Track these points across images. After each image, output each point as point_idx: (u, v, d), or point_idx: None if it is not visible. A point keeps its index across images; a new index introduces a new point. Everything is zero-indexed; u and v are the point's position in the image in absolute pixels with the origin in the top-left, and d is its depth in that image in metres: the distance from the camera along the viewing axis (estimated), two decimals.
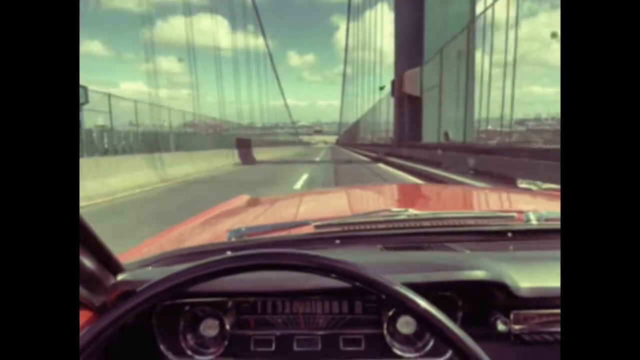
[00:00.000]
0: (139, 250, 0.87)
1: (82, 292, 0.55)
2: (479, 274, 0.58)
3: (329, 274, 0.43)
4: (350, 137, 56.53)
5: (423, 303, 0.42)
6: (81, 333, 0.43)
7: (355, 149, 35.20)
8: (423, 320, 0.42)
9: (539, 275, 0.60)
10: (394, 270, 0.57)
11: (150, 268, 0.66)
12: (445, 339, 0.41)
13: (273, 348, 0.64)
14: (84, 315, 0.57)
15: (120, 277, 0.60)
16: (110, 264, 0.59)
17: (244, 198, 1.56)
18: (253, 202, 1.50)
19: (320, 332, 0.64)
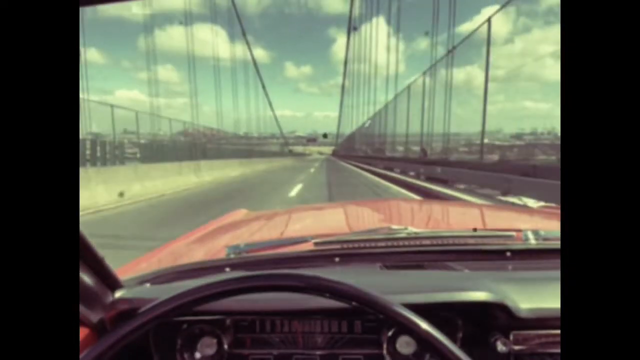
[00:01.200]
0: (135, 265, 0.86)
1: (80, 308, 0.54)
2: (480, 295, 0.58)
3: (331, 297, 0.44)
4: (347, 147, 54.08)
5: (424, 324, 0.42)
6: (82, 354, 0.43)
7: (352, 161, 33.53)
8: (424, 341, 0.42)
9: (538, 296, 0.60)
10: (394, 290, 0.57)
11: (148, 285, 0.65)
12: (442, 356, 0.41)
13: None
14: (81, 332, 0.56)
15: (118, 294, 0.60)
16: (108, 280, 0.58)
17: (242, 212, 1.56)
18: (251, 217, 1.49)
19: (319, 352, 0.64)
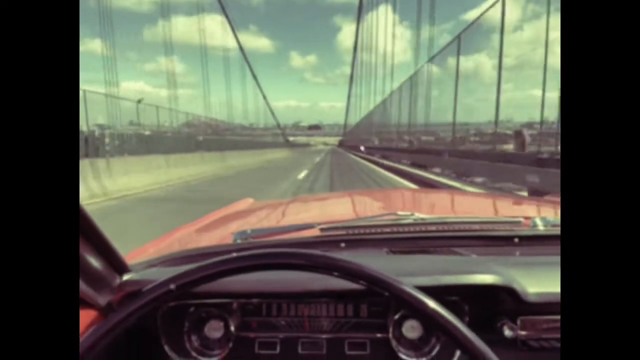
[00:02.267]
0: (143, 251, 0.87)
1: (88, 291, 0.55)
2: (488, 278, 0.58)
3: (335, 274, 0.43)
4: (355, 137, 50.08)
5: (432, 303, 0.42)
6: (88, 332, 0.43)
7: (361, 153, 30.16)
8: (431, 320, 0.41)
9: (546, 281, 0.60)
10: (401, 273, 0.57)
11: (155, 269, 0.66)
12: (453, 338, 0.41)
13: (278, 351, 0.64)
14: (89, 315, 0.57)
15: (126, 277, 0.60)
16: (116, 264, 0.58)
17: (248, 201, 1.56)
18: (257, 206, 1.50)
19: (325, 336, 0.64)
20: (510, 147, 9.42)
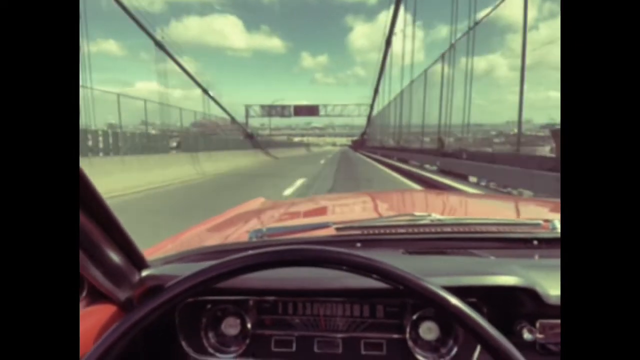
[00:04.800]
0: (160, 248, 0.88)
1: (108, 286, 0.55)
2: (510, 280, 0.57)
3: (357, 271, 0.43)
4: (370, 137, 42.66)
5: (453, 300, 0.41)
6: (110, 329, 0.44)
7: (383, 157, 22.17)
8: (454, 317, 0.41)
9: None
10: (419, 273, 0.57)
11: (174, 265, 0.66)
12: (476, 335, 0.40)
13: (294, 349, 0.64)
14: (109, 310, 0.58)
15: (145, 272, 0.61)
16: (136, 259, 0.59)
17: (259, 200, 1.57)
18: (271, 205, 1.50)
19: (341, 335, 0.64)
20: (545, 149, 8.49)
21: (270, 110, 50.56)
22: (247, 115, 46.01)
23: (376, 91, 36.28)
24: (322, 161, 20.66)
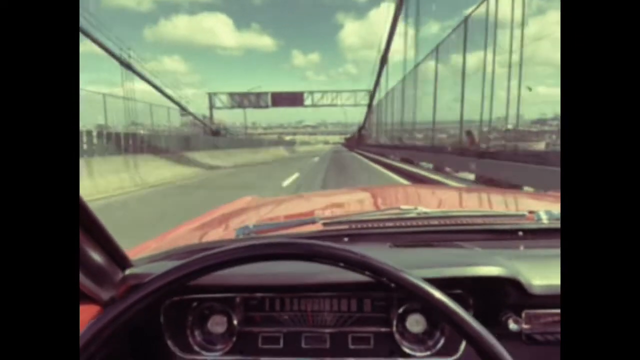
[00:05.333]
0: (145, 248, 0.87)
1: (90, 286, 0.54)
2: (493, 270, 0.57)
3: (339, 264, 0.43)
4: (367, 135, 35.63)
5: (437, 293, 0.41)
6: (88, 325, 0.43)
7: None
8: (437, 310, 0.41)
9: (551, 274, 0.59)
10: (405, 265, 0.57)
11: (158, 263, 0.66)
12: (459, 329, 0.40)
13: (281, 345, 0.64)
14: (91, 310, 0.57)
15: (128, 271, 0.60)
16: (118, 259, 0.58)
17: (249, 198, 1.56)
18: (260, 202, 1.50)
19: (329, 330, 0.64)
20: (540, 146, 7.89)
21: (241, 100, 37.90)
22: (210, 107, 35.52)
23: (380, 74, 26.88)
24: (294, 176, 10.50)
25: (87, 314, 0.56)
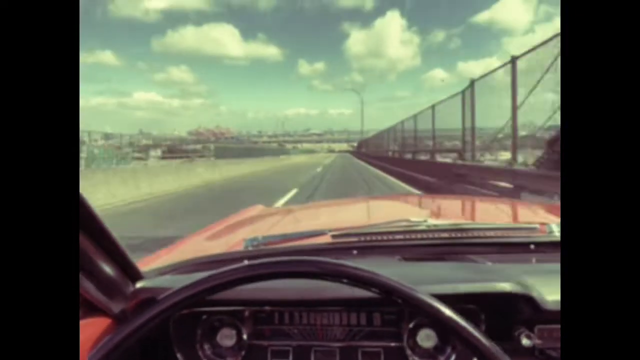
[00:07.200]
0: (156, 258, 0.87)
1: (101, 298, 0.55)
2: (505, 286, 0.56)
3: (348, 282, 0.43)
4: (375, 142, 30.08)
5: (447, 311, 0.41)
6: (102, 342, 0.43)
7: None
8: (448, 328, 0.41)
9: None
10: (415, 281, 0.56)
11: (168, 276, 0.66)
12: (470, 346, 0.40)
13: (290, 359, 0.63)
14: (102, 323, 0.57)
15: (139, 284, 0.61)
16: (129, 271, 0.59)
17: (258, 208, 1.56)
18: (268, 212, 1.50)
19: (338, 344, 0.63)
20: None
21: None
22: None
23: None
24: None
25: (98, 326, 0.56)
